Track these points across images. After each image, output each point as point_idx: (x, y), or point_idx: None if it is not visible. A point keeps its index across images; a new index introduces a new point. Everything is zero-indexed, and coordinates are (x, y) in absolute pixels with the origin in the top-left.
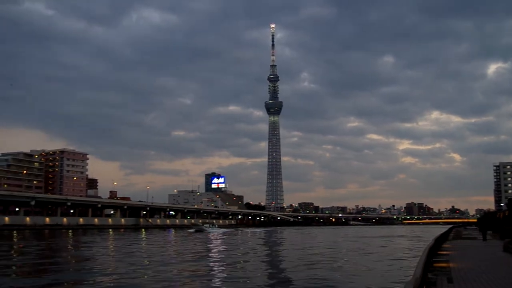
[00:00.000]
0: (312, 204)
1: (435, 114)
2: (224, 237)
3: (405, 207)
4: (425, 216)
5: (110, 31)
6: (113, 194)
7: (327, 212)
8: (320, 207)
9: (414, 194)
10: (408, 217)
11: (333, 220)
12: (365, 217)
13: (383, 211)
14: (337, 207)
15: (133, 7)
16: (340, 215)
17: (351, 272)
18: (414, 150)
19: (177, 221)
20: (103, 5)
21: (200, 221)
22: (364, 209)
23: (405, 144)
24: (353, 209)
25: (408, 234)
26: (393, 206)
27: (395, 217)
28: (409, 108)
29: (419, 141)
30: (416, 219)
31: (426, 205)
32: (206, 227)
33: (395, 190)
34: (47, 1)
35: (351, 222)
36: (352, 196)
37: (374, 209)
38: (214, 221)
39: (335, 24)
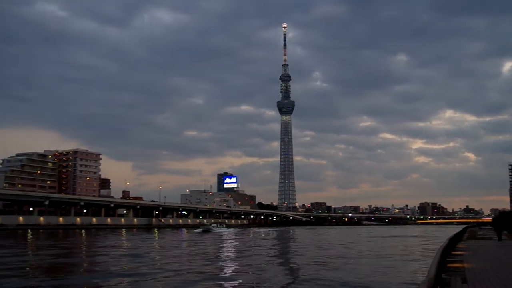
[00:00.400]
0: (324, 203)
1: (449, 113)
2: (235, 237)
3: (418, 207)
4: (439, 216)
5: (123, 31)
6: (125, 194)
7: (339, 212)
8: (333, 207)
9: (428, 193)
10: (422, 217)
11: (346, 220)
12: (378, 217)
13: (396, 211)
14: (350, 206)
15: (145, 8)
16: (352, 214)
17: (366, 272)
18: (428, 150)
19: (189, 221)
20: (115, 6)
21: (205, 221)
22: (377, 209)
23: (418, 144)
24: (365, 209)
25: (421, 234)
26: (406, 206)
27: (408, 217)
28: (423, 107)
29: (433, 140)
30: (430, 219)
31: (440, 205)
32: (213, 227)
33: (408, 190)
34: (60, 3)
35: (364, 222)
36: (365, 195)
37: (387, 209)
38: (220, 220)
39: (347, 22)
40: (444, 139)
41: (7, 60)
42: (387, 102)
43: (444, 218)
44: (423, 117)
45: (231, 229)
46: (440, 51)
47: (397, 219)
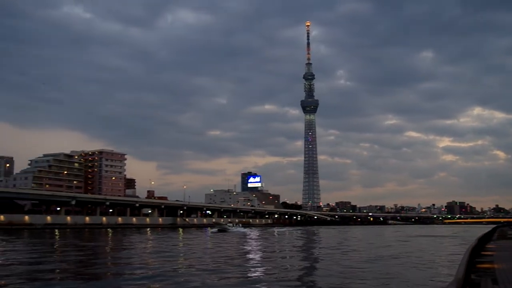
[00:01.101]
0: (349, 203)
1: (477, 110)
2: (258, 237)
3: (445, 206)
4: (467, 216)
5: (147, 32)
6: (150, 194)
7: (365, 211)
8: (358, 206)
9: (455, 192)
10: (449, 216)
11: (371, 219)
12: (404, 216)
13: (423, 210)
14: (375, 206)
15: (168, 8)
16: (378, 214)
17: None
18: (455, 148)
19: (213, 220)
20: (139, 7)
21: (222, 220)
22: (403, 208)
23: (445, 142)
24: (391, 208)
25: (450, 233)
26: (433, 205)
27: (435, 216)
28: (450, 105)
29: (461, 138)
30: (458, 218)
31: (468, 204)
32: (229, 226)
33: (435, 189)
34: (85, 5)
35: (390, 222)
36: (391, 195)
37: (413, 208)
38: (236, 220)
39: (371, 19)
40: (472, 136)
41: (34, 62)
42: (413, 100)
43: (473, 218)
44: (450, 114)
45: (247, 229)
46: (468, 46)
47: (423, 219)
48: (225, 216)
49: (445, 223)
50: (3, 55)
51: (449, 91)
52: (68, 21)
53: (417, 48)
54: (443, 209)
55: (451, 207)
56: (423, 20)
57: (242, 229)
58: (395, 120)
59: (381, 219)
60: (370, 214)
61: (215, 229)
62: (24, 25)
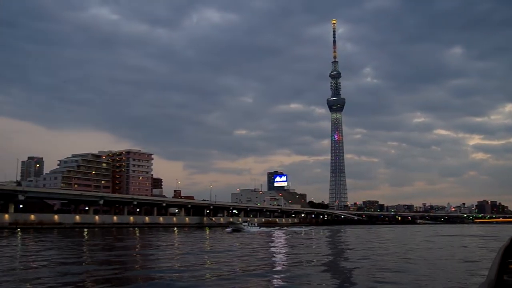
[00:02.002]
0: (377, 202)
1: (509, 107)
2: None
3: (476, 205)
4: (499, 215)
5: (172, 32)
6: (177, 193)
7: (392, 210)
8: (386, 205)
9: (487, 191)
10: (480, 215)
11: (399, 218)
12: (433, 215)
13: (453, 209)
14: (403, 205)
15: (194, 8)
16: (406, 213)
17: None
18: (486, 146)
19: (240, 219)
20: (165, 7)
21: (231, 218)
22: (432, 207)
23: (475, 139)
24: (420, 207)
25: (481, 233)
26: (463, 204)
27: (465, 215)
28: (480, 101)
29: (492, 135)
30: (489, 218)
31: (500, 203)
32: (244, 225)
33: (465, 188)
34: (111, 6)
35: (418, 221)
36: (419, 194)
37: (443, 207)
38: (249, 219)
39: (399, 15)
40: (503, 134)
41: (63, 64)
42: (442, 97)
43: (505, 217)
44: (480, 111)
45: (262, 228)
46: (499, 42)
47: (453, 218)
48: (251, 216)
49: (475, 223)
50: (33, 57)
51: (479, 88)
52: (95, 22)
53: (446, 44)
54: (473, 208)
55: (482, 206)
56: (452, 15)
57: (257, 228)
58: (423, 118)
59: (410, 218)
60: (399, 213)
61: (229, 229)
62: (52, 28)
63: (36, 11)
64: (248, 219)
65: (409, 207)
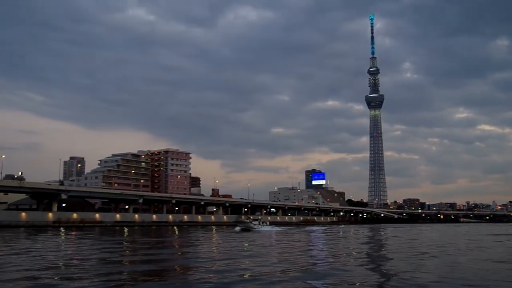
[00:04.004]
0: (417, 200)
1: None
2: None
3: None
4: None
5: (208, 31)
6: (215, 192)
7: (434, 208)
8: (427, 203)
9: None
10: None
11: (441, 217)
12: (478, 214)
13: (498, 207)
14: (445, 203)
15: (230, 7)
16: (449, 211)
17: None
18: None
19: (278, 218)
20: (201, 7)
21: (244, 217)
22: (476, 205)
23: None
24: (463, 205)
25: None
26: (510, 202)
27: None
28: None
29: None
30: None
31: None
32: (254, 224)
33: None
34: (148, 7)
35: (462, 219)
36: (462, 191)
37: (488, 206)
38: (260, 216)
39: (439, 8)
40: None
41: (102, 65)
42: (486, 91)
43: None
44: None
45: (279, 228)
46: None
47: (499, 217)
48: (289, 214)
49: None
50: (73, 59)
51: None
52: (132, 23)
53: (489, 36)
54: None
55: None
56: (496, 6)
57: (269, 228)
58: (466, 113)
59: (452, 217)
60: (441, 211)
61: (238, 228)
62: (91, 30)
63: (75, 14)
64: (260, 217)
65: (452, 205)
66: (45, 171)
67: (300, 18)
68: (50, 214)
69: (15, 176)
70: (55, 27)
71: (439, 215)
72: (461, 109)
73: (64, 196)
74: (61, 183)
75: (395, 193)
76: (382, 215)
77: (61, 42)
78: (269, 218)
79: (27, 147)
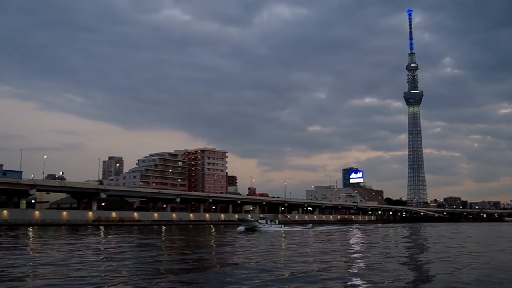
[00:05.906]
0: (459, 198)
1: None
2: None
3: None
4: None
5: (244, 30)
6: (251, 191)
7: (476, 207)
8: (469, 202)
9: None
10: None
11: (484, 216)
12: None
13: None
14: (488, 202)
15: (265, 4)
16: (492, 210)
17: None
18: None
19: (315, 216)
20: (235, 5)
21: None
22: None
23: None
24: (508, 204)
25: None
26: None
27: None
28: None
29: None
30: None
31: None
32: (260, 223)
33: None
34: (182, 7)
35: (506, 219)
36: (506, 190)
37: None
38: (267, 215)
39: (481, 0)
40: None
41: (139, 66)
42: None
43: None
44: None
45: (286, 227)
46: None
47: None
48: (326, 213)
49: None
50: (112, 60)
51: None
52: (168, 24)
53: None
54: None
55: None
56: None
57: (278, 227)
58: (510, 109)
59: (496, 216)
60: (484, 210)
61: (241, 227)
62: (128, 31)
63: (112, 16)
64: (268, 215)
65: (495, 204)
66: (85, 171)
67: (336, 14)
68: (90, 213)
69: (56, 176)
70: (93, 29)
71: (481, 214)
72: (505, 104)
73: (103, 195)
74: (100, 182)
75: (435, 192)
76: (422, 214)
77: (100, 44)
78: (306, 216)
79: (68, 148)
